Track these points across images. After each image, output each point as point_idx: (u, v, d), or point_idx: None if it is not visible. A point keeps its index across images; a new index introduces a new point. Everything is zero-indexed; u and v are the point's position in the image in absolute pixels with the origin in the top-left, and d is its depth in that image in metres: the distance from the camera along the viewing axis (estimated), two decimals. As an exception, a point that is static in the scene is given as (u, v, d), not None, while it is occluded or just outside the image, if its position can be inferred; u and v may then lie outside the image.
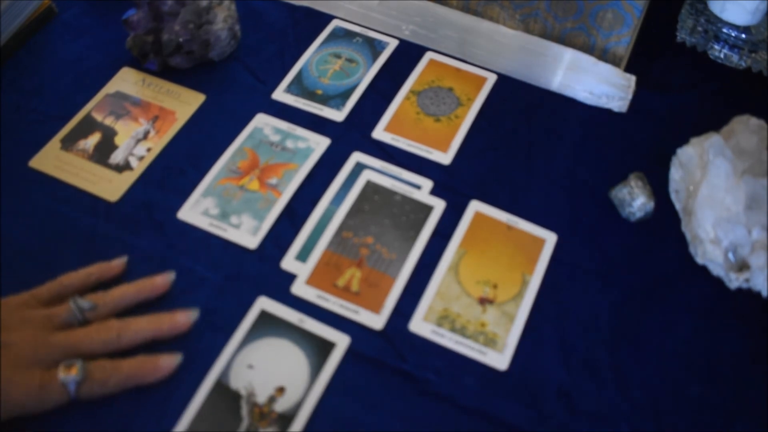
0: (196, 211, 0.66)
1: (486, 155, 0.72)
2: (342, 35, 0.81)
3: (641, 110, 0.76)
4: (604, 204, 0.69)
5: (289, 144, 0.71)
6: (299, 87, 0.76)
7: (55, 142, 0.70)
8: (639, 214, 0.67)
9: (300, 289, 0.62)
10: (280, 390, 0.56)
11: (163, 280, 0.60)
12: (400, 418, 0.56)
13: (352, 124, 0.73)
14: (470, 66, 0.79)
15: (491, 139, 0.73)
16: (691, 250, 0.65)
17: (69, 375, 0.52)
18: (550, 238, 0.66)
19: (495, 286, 0.63)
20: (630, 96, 0.76)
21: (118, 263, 0.61)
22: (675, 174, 0.69)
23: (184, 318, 0.58)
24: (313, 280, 0.62)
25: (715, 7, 0.79)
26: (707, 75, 0.80)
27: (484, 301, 0.62)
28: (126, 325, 0.56)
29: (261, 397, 0.56)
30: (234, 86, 0.76)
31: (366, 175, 0.69)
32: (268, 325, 0.59)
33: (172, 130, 0.72)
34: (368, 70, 0.78)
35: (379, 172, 0.70)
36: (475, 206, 0.68)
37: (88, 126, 0.72)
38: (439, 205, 0.67)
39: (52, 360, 0.53)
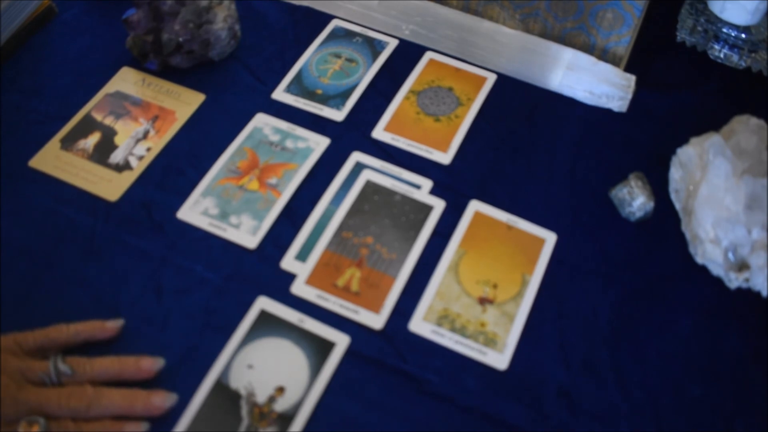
0: (196, 211, 0.66)
1: (486, 155, 0.72)
2: (342, 35, 0.81)
3: (641, 110, 0.76)
4: (604, 204, 0.69)
5: (289, 144, 0.71)
6: (299, 87, 0.76)
7: (54, 142, 0.70)
8: (639, 214, 0.67)
9: (300, 289, 0.62)
10: (280, 390, 0.56)
11: (150, 364, 0.56)
12: (400, 418, 0.56)
13: (352, 123, 0.73)
14: (470, 66, 0.79)
15: (491, 139, 0.73)
16: (691, 250, 0.65)
17: None
18: (550, 238, 0.66)
19: (495, 286, 0.63)
20: (630, 96, 0.76)
21: (113, 326, 0.58)
22: (675, 174, 0.69)
23: (159, 400, 0.54)
24: (312, 280, 0.62)
25: (715, 7, 0.79)
26: (707, 75, 0.80)
27: (484, 301, 0.62)
28: (98, 398, 0.53)
29: (261, 397, 0.56)
30: (234, 86, 0.76)
31: (366, 175, 0.69)
32: (267, 325, 0.59)
33: (171, 129, 0.72)
34: (368, 70, 0.77)
35: (378, 172, 0.70)
36: (474, 206, 0.68)
37: (88, 126, 0.72)
38: (438, 205, 0.67)
39: (15, 414, 0.52)
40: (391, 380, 0.58)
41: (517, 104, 0.76)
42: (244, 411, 0.55)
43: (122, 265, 0.63)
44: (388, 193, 0.68)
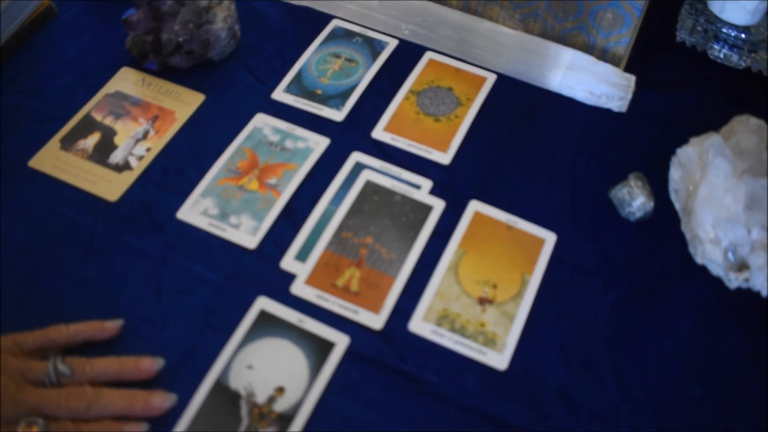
0: (196, 211, 0.66)
1: (486, 155, 0.72)
2: (342, 35, 0.81)
3: (641, 110, 0.76)
4: (604, 204, 0.69)
5: (289, 144, 0.71)
6: (299, 87, 0.76)
7: (54, 142, 0.70)
8: (639, 214, 0.67)
9: (299, 289, 0.62)
10: (280, 390, 0.56)
11: (150, 364, 0.56)
12: (400, 418, 0.56)
13: (352, 123, 0.73)
14: (470, 66, 0.79)
15: (491, 139, 0.73)
16: (691, 250, 0.65)
17: None
18: (549, 238, 0.66)
19: (495, 286, 0.63)
20: (630, 96, 0.76)
21: (112, 326, 0.58)
22: (675, 174, 0.69)
23: (159, 401, 0.54)
24: (312, 280, 0.62)
25: (715, 7, 0.79)
26: (707, 75, 0.80)
27: (483, 301, 0.62)
28: (98, 398, 0.53)
29: (260, 398, 0.56)
30: (233, 86, 0.76)
31: (365, 175, 0.69)
32: (267, 325, 0.59)
33: (171, 130, 0.72)
34: (368, 70, 0.77)
35: (378, 172, 0.70)
36: (474, 206, 0.68)
37: (88, 126, 0.72)
38: (438, 205, 0.67)
39: (15, 414, 0.52)
40: (391, 380, 0.58)
41: (517, 104, 0.76)
42: (244, 411, 0.55)
43: (122, 265, 0.63)
44: (388, 193, 0.68)
